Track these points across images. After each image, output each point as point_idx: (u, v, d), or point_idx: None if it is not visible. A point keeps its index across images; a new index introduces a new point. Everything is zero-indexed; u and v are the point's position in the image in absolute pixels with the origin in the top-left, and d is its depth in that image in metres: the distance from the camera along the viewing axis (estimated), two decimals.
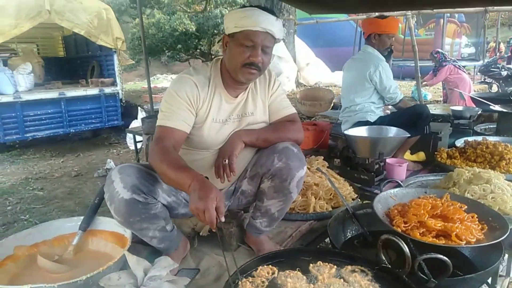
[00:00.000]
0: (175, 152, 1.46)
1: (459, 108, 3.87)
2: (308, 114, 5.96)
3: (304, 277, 1.31)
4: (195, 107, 1.56)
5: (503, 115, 3.67)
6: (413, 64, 6.28)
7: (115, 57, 6.47)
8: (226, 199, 1.79)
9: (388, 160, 2.73)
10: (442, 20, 11.76)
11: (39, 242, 1.71)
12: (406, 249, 1.28)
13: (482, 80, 8.70)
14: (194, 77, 1.58)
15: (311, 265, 1.37)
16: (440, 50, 7.11)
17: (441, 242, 1.46)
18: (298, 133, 1.73)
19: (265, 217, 1.72)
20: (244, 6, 1.59)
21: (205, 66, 1.66)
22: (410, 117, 2.90)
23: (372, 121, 3.05)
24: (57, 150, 5.92)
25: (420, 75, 5.92)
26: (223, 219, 1.22)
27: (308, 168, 2.43)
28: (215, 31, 10.93)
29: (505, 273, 1.77)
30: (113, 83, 6.50)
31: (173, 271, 1.50)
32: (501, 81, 7.95)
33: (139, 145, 4.74)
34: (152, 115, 4.47)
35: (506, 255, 1.73)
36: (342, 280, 1.29)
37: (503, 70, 7.85)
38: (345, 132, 2.81)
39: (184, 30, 10.81)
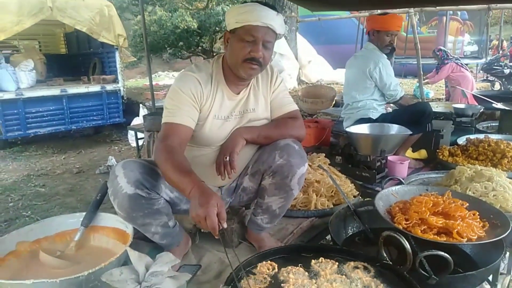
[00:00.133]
0: (181, 152, 1.46)
1: (461, 106, 3.86)
2: (309, 112, 5.94)
3: (306, 273, 1.31)
4: (199, 103, 1.56)
5: (505, 113, 3.66)
6: (415, 62, 6.26)
7: (117, 54, 6.48)
8: (227, 196, 1.79)
9: (390, 158, 2.73)
10: (444, 18, 11.70)
11: (41, 238, 1.71)
12: (407, 246, 1.28)
13: (485, 78, 8.66)
14: (197, 74, 1.57)
15: (313, 261, 1.37)
16: (442, 48, 7.08)
17: (443, 239, 1.46)
18: (300, 130, 1.73)
19: (266, 214, 1.72)
20: (245, 2, 1.58)
21: (207, 63, 1.66)
22: (412, 114, 2.90)
23: (374, 118, 3.04)
24: (59, 147, 5.94)
25: (422, 73, 5.90)
26: (225, 225, 1.20)
27: (310, 165, 2.43)
28: (217, 28, 10.89)
29: (506, 271, 1.77)
30: (115, 80, 6.52)
31: (174, 267, 1.50)
32: (503, 79, 7.93)
33: (140, 142, 4.73)
34: (154, 112, 4.47)
35: (508, 253, 1.73)
36: (344, 276, 1.29)
37: (505, 68, 7.82)
38: (347, 129, 2.80)
39: (186, 27, 10.77)
